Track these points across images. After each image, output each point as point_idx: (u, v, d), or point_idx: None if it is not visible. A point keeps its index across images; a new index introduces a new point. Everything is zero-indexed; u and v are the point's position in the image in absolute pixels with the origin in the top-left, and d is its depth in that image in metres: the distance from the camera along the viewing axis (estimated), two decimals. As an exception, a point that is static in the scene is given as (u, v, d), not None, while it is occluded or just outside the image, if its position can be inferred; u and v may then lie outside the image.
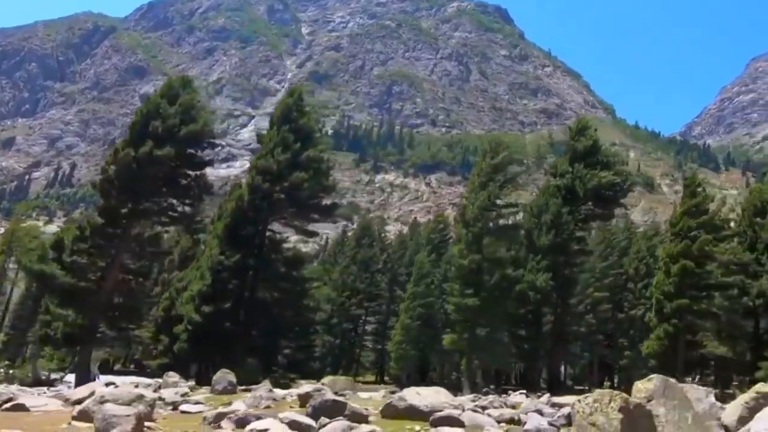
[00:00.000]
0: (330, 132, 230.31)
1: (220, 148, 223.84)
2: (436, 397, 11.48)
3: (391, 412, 11.21)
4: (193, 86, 31.51)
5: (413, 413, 10.89)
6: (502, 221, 38.01)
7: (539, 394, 31.79)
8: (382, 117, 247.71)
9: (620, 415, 6.88)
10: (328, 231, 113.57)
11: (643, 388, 7.77)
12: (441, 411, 10.22)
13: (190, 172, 28.15)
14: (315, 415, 10.07)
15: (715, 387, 40.80)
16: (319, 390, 13.33)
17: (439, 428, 9.78)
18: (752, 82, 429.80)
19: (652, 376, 8.00)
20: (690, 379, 36.28)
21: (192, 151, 27.73)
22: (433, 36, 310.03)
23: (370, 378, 72.66)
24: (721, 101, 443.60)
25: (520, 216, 39.30)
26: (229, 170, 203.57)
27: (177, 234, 39.19)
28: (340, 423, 9.15)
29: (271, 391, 14.22)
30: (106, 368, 40.28)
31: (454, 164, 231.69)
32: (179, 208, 27.60)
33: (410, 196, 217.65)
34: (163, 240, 29.52)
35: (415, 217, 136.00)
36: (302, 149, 32.00)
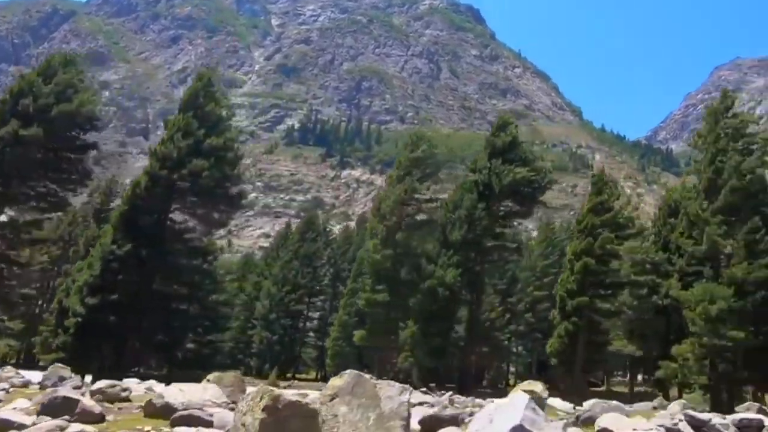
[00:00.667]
0: (297, 126, 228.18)
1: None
2: (201, 394, 10.66)
3: (151, 410, 10.42)
4: (77, 66, 29.95)
5: (168, 411, 10.13)
6: (423, 217, 37.47)
7: (441, 393, 31.25)
8: (350, 112, 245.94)
9: (263, 415, 6.11)
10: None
11: (332, 385, 7.02)
12: (186, 410, 9.43)
13: (71, 156, 26.67)
14: (44, 412, 9.15)
15: (629, 385, 41.10)
16: (113, 386, 12.37)
17: (176, 428, 8.97)
18: (715, 89, 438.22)
19: (345, 372, 7.28)
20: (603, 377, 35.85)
21: (72, 133, 26.27)
22: (404, 33, 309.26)
23: (312, 375, 71.66)
24: (685, 107, 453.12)
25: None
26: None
27: (81, 222, 37.55)
28: (48, 423, 8.26)
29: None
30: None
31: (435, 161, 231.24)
32: (61, 194, 26.12)
33: (376, 192, 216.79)
34: (43, 226, 27.94)
35: (364, 212, 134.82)
36: (206, 136, 30.83)
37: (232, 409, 10.67)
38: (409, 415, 7.05)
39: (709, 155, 31.87)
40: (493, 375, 60.16)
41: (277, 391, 6.36)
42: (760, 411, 16.95)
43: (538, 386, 9.60)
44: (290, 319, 68.11)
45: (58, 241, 33.14)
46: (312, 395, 8.24)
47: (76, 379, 15.86)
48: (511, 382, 59.43)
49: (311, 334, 73.01)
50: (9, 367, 18.61)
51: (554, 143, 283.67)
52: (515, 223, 39.03)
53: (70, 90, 26.45)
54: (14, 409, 9.89)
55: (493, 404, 7.88)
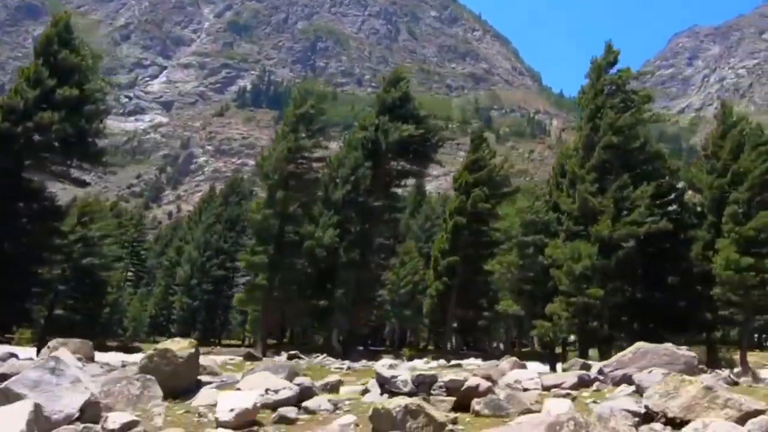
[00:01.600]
0: (249, 88, 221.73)
1: (127, 100, 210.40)
2: None
3: None
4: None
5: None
6: (312, 176, 36.02)
7: (317, 356, 30.55)
8: (305, 74, 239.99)
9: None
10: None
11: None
12: None
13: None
14: None
15: (513, 346, 41.39)
16: None
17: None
18: (673, 57, 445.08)
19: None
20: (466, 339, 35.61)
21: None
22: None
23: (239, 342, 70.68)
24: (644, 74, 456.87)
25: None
26: (136, 124, 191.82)
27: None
28: None
29: None
30: None
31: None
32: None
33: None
34: None
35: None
36: (58, 86, 28.51)
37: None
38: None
39: (588, 112, 31.28)
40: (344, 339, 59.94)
41: None
42: (583, 367, 16.73)
43: (183, 343, 8.55)
44: (213, 284, 66.32)
45: None
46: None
47: None
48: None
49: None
50: None
51: (512, 108, 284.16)
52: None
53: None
54: None
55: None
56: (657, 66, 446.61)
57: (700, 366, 16.86)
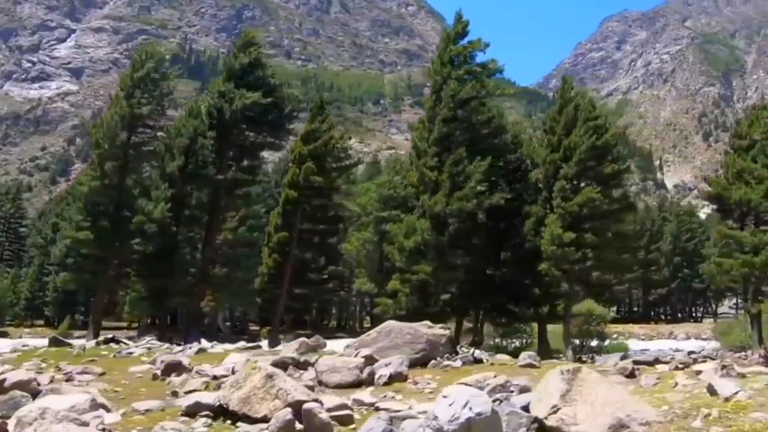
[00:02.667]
0: (168, 56, 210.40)
1: (29, 65, 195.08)
2: None
3: None
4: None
5: None
6: (150, 147, 33.28)
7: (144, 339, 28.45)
8: (230, 43, 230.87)
9: None
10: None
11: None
12: None
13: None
14: None
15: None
16: None
17: None
18: (603, 40, 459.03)
19: None
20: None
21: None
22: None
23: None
24: (575, 56, 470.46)
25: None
26: (41, 91, 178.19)
27: None
28: None
29: None
30: None
31: (306, 100, 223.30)
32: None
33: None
34: None
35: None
36: None
37: None
38: None
39: (433, 83, 30.22)
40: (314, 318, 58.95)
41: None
42: (302, 345, 15.93)
43: None
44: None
45: None
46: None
47: None
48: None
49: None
50: None
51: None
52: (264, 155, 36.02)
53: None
54: None
55: None
56: (588, 49, 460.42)
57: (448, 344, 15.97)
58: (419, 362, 14.73)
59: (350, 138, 29.66)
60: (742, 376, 11.21)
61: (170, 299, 30.69)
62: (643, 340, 58.51)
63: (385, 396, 9.18)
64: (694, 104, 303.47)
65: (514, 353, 36.04)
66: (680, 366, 14.75)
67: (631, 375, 13.61)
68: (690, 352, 35.08)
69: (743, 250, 27.07)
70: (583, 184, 25.87)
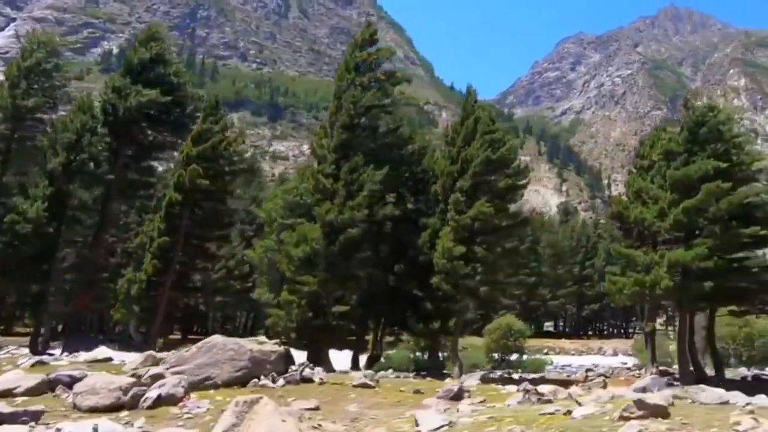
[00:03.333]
0: (116, 51, 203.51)
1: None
2: None
3: None
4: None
5: None
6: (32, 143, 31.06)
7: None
8: (183, 42, 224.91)
9: None
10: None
11: None
12: None
13: None
14: None
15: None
16: None
17: None
18: (559, 60, 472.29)
19: None
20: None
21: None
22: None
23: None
24: (532, 75, 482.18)
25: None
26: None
27: None
28: None
29: None
30: None
31: (260, 104, 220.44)
32: None
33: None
34: None
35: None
36: None
37: None
38: None
39: (336, 88, 29.37)
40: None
41: None
42: (147, 359, 15.00)
43: None
44: None
45: None
46: None
47: None
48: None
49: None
50: None
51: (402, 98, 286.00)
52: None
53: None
54: None
55: None
56: (545, 68, 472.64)
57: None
58: (239, 381, 13.60)
59: (244, 141, 28.30)
60: (547, 401, 10.50)
61: (46, 305, 28.48)
62: (573, 355, 58.87)
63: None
64: (642, 126, 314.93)
65: (426, 367, 35.09)
66: (528, 389, 14.04)
67: (456, 397, 12.78)
68: (587, 369, 35.15)
69: (636, 269, 27.03)
70: (485, 198, 25.17)
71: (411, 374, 25.46)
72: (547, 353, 71.14)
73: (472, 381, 17.75)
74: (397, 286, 26.82)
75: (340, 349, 29.45)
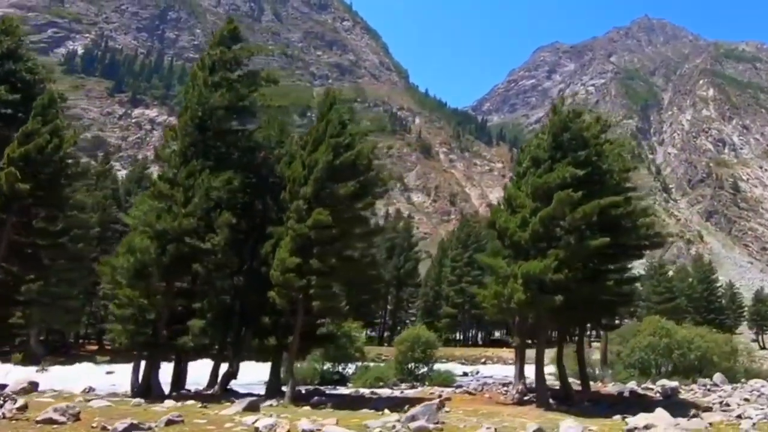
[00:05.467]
0: (81, 52, 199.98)
1: None
2: None
3: None
4: None
5: None
6: None
7: None
8: (151, 44, 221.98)
9: None
10: None
11: None
12: None
13: None
14: None
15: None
16: None
17: None
18: (534, 68, 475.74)
19: None
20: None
21: None
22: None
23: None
24: (508, 82, 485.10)
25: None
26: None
27: None
28: None
29: None
30: None
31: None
32: None
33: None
34: None
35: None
36: None
37: None
38: None
39: (186, 89, 27.68)
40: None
41: None
42: None
43: None
44: None
45: None
46: None
47: None
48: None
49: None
50: None
51: (376, 103, 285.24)
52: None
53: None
54: None
55: None
56: (521, 76, 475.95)
57: None
58: None
59: (75, 143, 26.34)
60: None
61: None
62: (510, 364, 57.69)
63: None
64: (613, 135, 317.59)
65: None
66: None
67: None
68: (483, 382, 33.71)
69: (498, 281, 25.60)
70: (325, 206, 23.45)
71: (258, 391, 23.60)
72: (484, 362, 69.72)
73: (238, 407, 15.97)
74: (234, 301, 25.02)
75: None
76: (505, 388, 28.70)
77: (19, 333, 30.50)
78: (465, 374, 43.85)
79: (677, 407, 23.22)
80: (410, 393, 28.28)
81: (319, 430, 11.77)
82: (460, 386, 33.08)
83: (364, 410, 18.52)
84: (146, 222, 24.08)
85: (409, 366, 38.13)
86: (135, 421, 11.38)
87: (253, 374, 29.64)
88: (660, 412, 19.05)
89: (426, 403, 16.25)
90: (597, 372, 36.12)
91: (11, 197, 23.22)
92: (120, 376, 29.95)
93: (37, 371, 34.86)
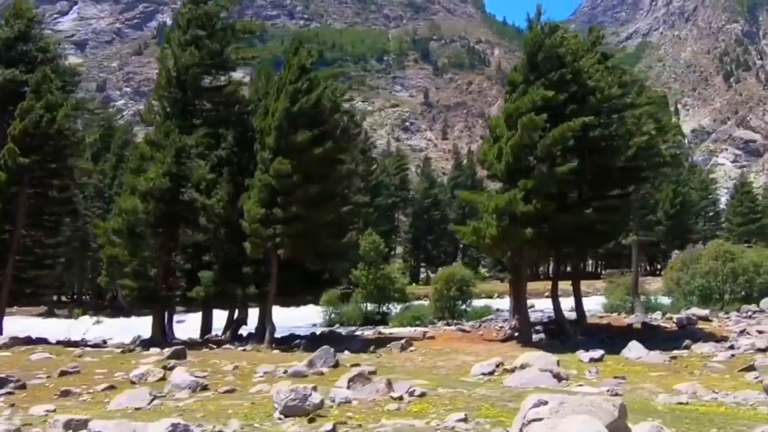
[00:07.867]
0: (169, 23, 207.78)
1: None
2: None
3: None
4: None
5: None
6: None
7: None
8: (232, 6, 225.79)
9: None
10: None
11: None
12: None
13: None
14: None
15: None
16: None
17: None
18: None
19: None
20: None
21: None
22: None
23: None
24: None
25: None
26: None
27: None
28: None
29: None
30: None
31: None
32: None
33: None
34: None
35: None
36: None
37: None
38: None
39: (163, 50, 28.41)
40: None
41: None
42: None
43: None
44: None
45: None
46: None
47: None
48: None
49: None
50: None
51: (453, 38, 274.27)
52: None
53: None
54: None
55: None
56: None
57: None
58: None
59: (68, 116, 27.76)
60: None
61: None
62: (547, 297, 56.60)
63: None
64: (716, 43, 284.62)
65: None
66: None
67: None
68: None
69: (479, 216, 24.75)
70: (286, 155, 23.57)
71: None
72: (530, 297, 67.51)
73: (163, 355, 17.05)
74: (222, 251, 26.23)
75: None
76: (502, 325, 28.15)
77: (46, 293, 34.03)
78: (498, 310, 43.30)
79: (673, 339, 21.74)
80: (405, 332, 28.49)
81: (197, 380, 12.43)
82: (489, 321, 32.87)
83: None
84: (130, 183, 25.67)
85: (447, 304, 38.29)
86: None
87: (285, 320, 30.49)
88: (633, 344, 18.23)
89: (394, 343, 16.61)
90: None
91: (17, 171, 25.64)
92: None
93: (94, 324, 39.26)
